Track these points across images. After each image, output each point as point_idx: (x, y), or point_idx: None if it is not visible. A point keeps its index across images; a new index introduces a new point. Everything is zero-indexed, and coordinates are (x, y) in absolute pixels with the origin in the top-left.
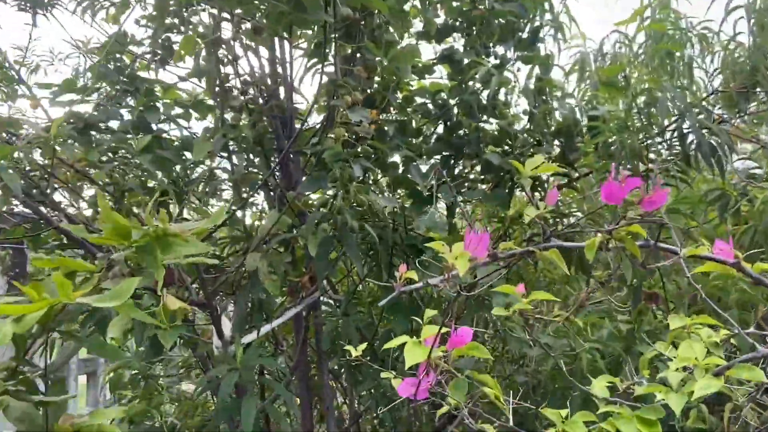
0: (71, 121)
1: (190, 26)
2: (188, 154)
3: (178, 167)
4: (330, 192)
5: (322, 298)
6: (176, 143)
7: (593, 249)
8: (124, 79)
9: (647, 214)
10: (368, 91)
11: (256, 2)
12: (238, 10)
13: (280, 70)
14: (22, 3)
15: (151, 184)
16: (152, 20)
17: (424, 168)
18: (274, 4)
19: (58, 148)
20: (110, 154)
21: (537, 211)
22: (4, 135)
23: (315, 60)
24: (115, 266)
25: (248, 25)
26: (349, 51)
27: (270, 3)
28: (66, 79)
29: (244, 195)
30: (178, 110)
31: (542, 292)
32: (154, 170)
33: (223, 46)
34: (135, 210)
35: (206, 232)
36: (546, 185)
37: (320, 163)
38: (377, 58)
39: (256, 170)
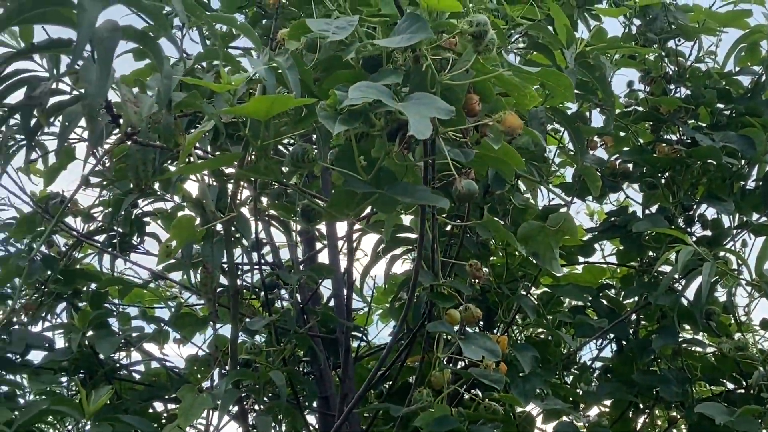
0: None
1: (171, 190)
2: (160, 406)
3: None
4: None
5: None
6: (143, 391)
7: None
8: (58, 276)
9: None
10: (478, 287)
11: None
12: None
13: (323, 254)
14: None
15: None
16: (112, 179)
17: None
18: (348, 180)
19: None
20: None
21: None
22: None
23: (389, 244)
24: None
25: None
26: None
27: (344, 175)
28: None
29: None
30: (146, 327)
31: None
32: None
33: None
34: None
35: None
36: None
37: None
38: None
39: None
